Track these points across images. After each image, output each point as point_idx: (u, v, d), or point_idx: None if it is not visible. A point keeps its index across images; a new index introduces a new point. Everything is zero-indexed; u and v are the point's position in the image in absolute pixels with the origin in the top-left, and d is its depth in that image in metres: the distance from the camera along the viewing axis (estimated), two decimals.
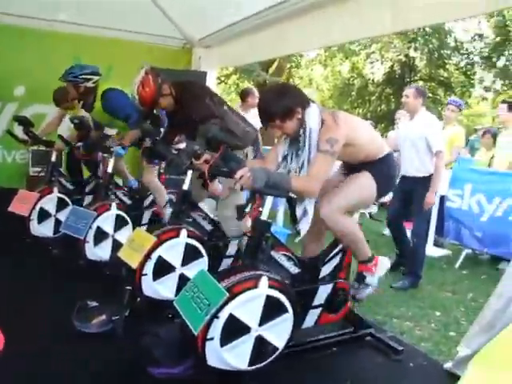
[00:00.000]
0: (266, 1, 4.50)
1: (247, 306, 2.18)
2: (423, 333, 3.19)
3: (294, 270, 2.59)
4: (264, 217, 2.36)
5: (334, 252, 2.71)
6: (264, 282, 2.21)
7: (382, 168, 2.64)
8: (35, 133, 4.52)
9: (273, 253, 2.63)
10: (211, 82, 6.18)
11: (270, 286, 2.23)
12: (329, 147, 2.33)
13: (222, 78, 17.81)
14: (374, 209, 3.44)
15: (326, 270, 2.69)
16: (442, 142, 4.13)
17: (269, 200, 2.56)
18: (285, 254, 2.71)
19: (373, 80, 19.65)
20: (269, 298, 2.22)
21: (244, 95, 6.02)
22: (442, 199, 5.38)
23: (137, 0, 5.29)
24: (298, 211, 2.53)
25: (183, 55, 6.48)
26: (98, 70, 4.20)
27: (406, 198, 4.18)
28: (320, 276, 2.67)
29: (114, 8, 5.35)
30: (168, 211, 3.78)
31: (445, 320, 3.42)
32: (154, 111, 3.45)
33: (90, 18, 5.63)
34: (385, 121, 18.15)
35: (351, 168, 2.72)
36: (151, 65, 4.28)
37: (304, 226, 2.52)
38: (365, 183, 2.62)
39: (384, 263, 2.80)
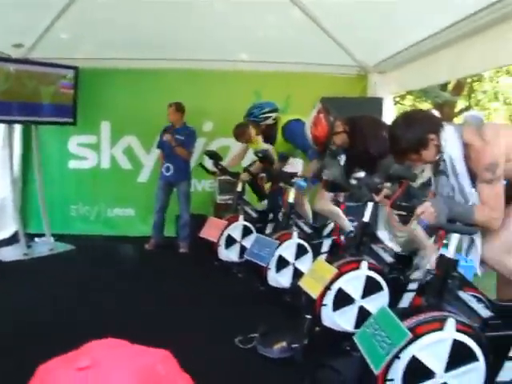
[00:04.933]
0: (444, 20, 4.28)
1: (432, 349, 2.08)
2: None
3: (486, 313, 2.37)
4: (450, 253, 2.23)
5: None
6: (451, 324, 2.10)
7: None
8: (224, 165, 4.98)
9: (460, 293, 2.45)
10: (388, 108, 6.05)
11: (458, 330, 2.10)
12: (491, 175, 2.08)
13: (397, 99, 17.32)
14: None
15: None
16: None
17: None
18: (474, 295, 2.50)
19: None
20: (456, 342, 2.09)
21: None
22: None
23: (310, 32, 5.50)
24: (464, 242, 2.31)
25: (358, 82, 6.50)
26: (275, 106, 4.48)
27: None
28: None
29: (289, 43, 5.63)
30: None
31: None
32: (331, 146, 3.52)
33: (268, 55, 6.01)
34: None
35: None
36: (327, 94, 4.39)
37: (475, 258, 2.29)
38: None
39: None
